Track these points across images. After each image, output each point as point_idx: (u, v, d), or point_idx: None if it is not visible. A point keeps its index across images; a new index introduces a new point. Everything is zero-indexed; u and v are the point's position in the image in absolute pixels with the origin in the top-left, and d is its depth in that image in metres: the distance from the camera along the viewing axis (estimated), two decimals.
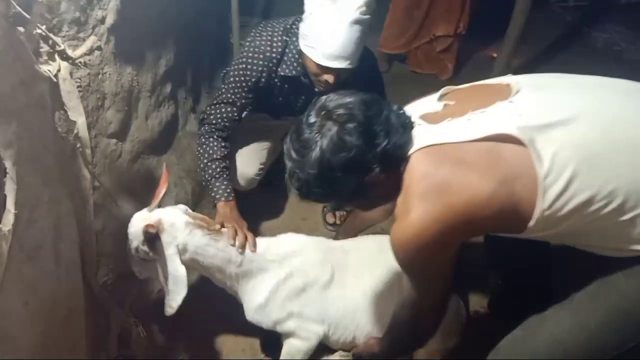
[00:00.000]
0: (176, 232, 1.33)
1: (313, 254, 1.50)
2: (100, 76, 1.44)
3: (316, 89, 1.68)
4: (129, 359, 1.50)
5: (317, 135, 1.02)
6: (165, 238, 1.32)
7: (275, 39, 1.69)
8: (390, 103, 1.10)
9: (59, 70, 1.08)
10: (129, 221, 1.67)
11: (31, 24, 1.00)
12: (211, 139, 1.72)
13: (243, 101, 1.73)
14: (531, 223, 0.95)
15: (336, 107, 1.03)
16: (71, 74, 1.13)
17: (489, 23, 3.09)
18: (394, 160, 1.02)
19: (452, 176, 0.95)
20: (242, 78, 1.70)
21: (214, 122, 1.73)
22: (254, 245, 1.44)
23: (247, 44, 1.71)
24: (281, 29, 1.70)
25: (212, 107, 1.75)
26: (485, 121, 0.97)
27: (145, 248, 1.34)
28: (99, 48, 1.34)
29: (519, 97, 1.00)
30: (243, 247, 1.42)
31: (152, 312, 1.60)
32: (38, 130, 1.03)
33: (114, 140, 1.58)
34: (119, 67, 1.54)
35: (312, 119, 1.04)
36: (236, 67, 1.71)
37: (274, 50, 1.69)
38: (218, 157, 1.70)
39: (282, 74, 1.72)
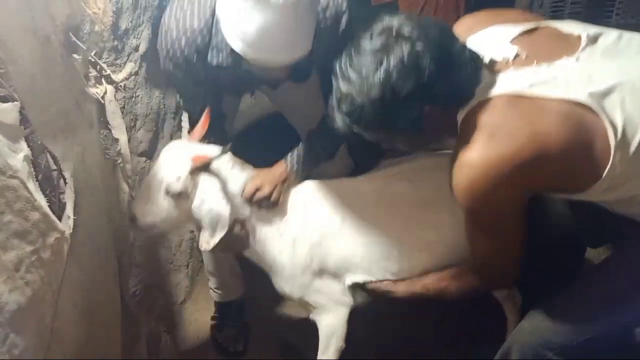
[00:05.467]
0: (220, 166, 1.29)
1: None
2: (133, 99, 1.55)
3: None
4: None
5: (382, 54, 0.91)
6: (210, 171, 1.26)
7: (199, 12, 1.22)
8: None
9: (105, 93, 1.20)
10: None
11: (84, 51, 1.12)
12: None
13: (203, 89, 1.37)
14: (597, 184, 0.93)
15: (405, 24, 0.92)
16: (115, 96, 1.25)
17: None
18: (461, 96, 0.96)
19: (527, 122, 0.90)
20: (175, 63, 1.27)
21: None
22: None
23: (165, 19, 1.27)
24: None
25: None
26: (555, 80, 0.93)
27: (187, 180, 1.24)
28: (135, 73, 1.46)
29: (586, 56, 0.96)
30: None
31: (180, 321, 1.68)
32: (87, 146, 1.14)
33: (144, 159, 1.69)
34: (149, 90, 1.66)
35: (375, 37, 0.93)
36: (162, 58, 1.30)
37: (198, 27, 1.22)
38: None
39: (214, 63, 1.26)
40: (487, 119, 0.94)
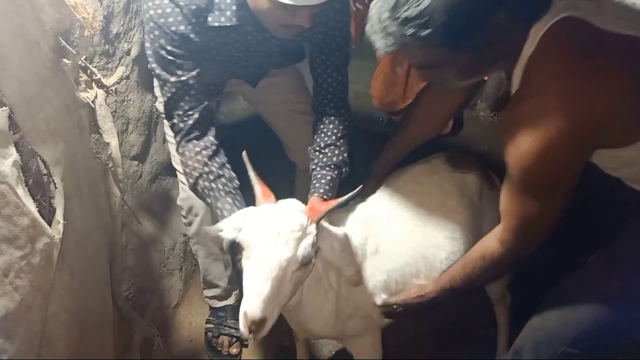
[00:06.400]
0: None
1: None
2: (125, 102, 1.55)
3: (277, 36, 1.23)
4: None
5: None
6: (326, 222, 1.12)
7: None
8: None
9: (95, 97, 1.20)
10: (149, 239, 1.77)
11: (74, 56, 1.12)
12: (186, 152, 1.30)
13: (190, 75, 1.24)
14: None
15: None
16: (105, 100, 1.25)
17: None
18: (534, 9, 0.88)
19: (603, 66, 0.85)
20: (167, 49, 1.20)
21: (180, 125, 1.28)
22: None
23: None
24: None
25: (166, 107, 1.30)
26: (620, 15, 0.89)
27: (313, 247, 1.06)
28: (127, 77, 1.46)
29: None
30: None
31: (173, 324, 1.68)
32: (77, 150, 1.14)
33: (136, 162, 1.69)
34: (141, 94, 1.66)
35: None
36: (152, 39, 1.20)
37: None
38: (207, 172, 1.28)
39: (216, 24, 1.21)
40: (552, 61, 0.87)
